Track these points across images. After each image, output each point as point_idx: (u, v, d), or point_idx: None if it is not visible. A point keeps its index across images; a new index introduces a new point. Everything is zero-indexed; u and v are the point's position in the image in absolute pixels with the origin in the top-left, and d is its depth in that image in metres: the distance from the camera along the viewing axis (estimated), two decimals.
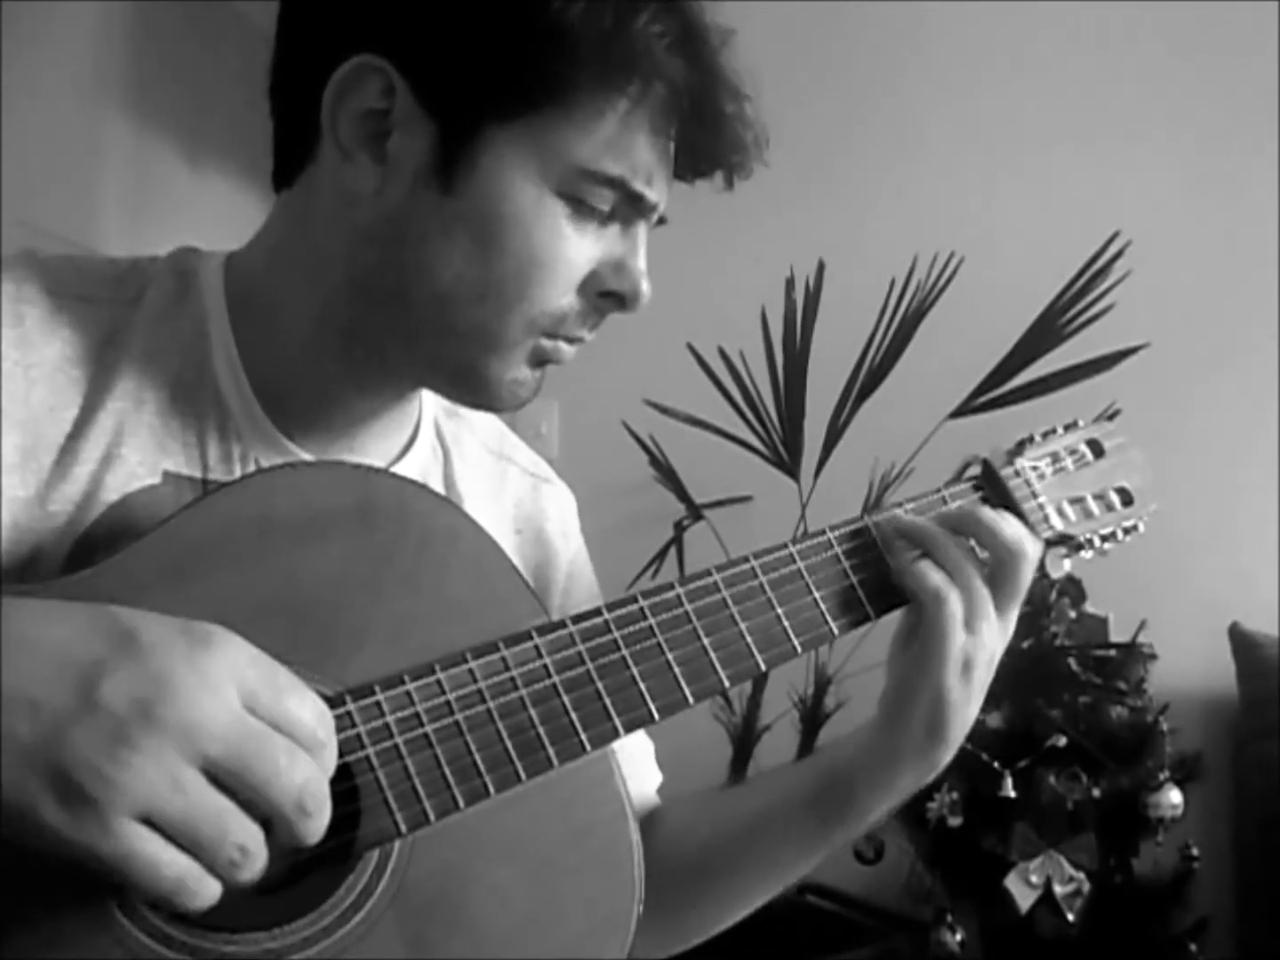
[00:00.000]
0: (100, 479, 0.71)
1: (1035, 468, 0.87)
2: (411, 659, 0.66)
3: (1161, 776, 1.89)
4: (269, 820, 0.56)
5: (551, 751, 0.67)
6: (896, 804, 0.83)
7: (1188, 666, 2.18)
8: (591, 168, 0.72)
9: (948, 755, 0.80)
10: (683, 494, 2.27)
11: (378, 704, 0.64)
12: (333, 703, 0.62)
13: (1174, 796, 1.87)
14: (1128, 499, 0.89)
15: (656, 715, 0.70)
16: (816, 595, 0.77)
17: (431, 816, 0.63)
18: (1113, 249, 1.98)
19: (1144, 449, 0.91)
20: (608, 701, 0.69)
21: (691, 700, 0.72)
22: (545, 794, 0.68)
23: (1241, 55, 2.34)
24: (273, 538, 0.66)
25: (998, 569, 0.78)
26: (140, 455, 0.72)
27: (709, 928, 0.89)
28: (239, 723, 0.55)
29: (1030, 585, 0.80)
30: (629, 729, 0.70)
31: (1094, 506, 0.88)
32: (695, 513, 2.26)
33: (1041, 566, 0.85)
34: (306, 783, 0.56)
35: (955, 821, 1.91)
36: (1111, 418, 0.95)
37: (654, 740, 0.95)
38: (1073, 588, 2.01)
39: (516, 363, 0.76)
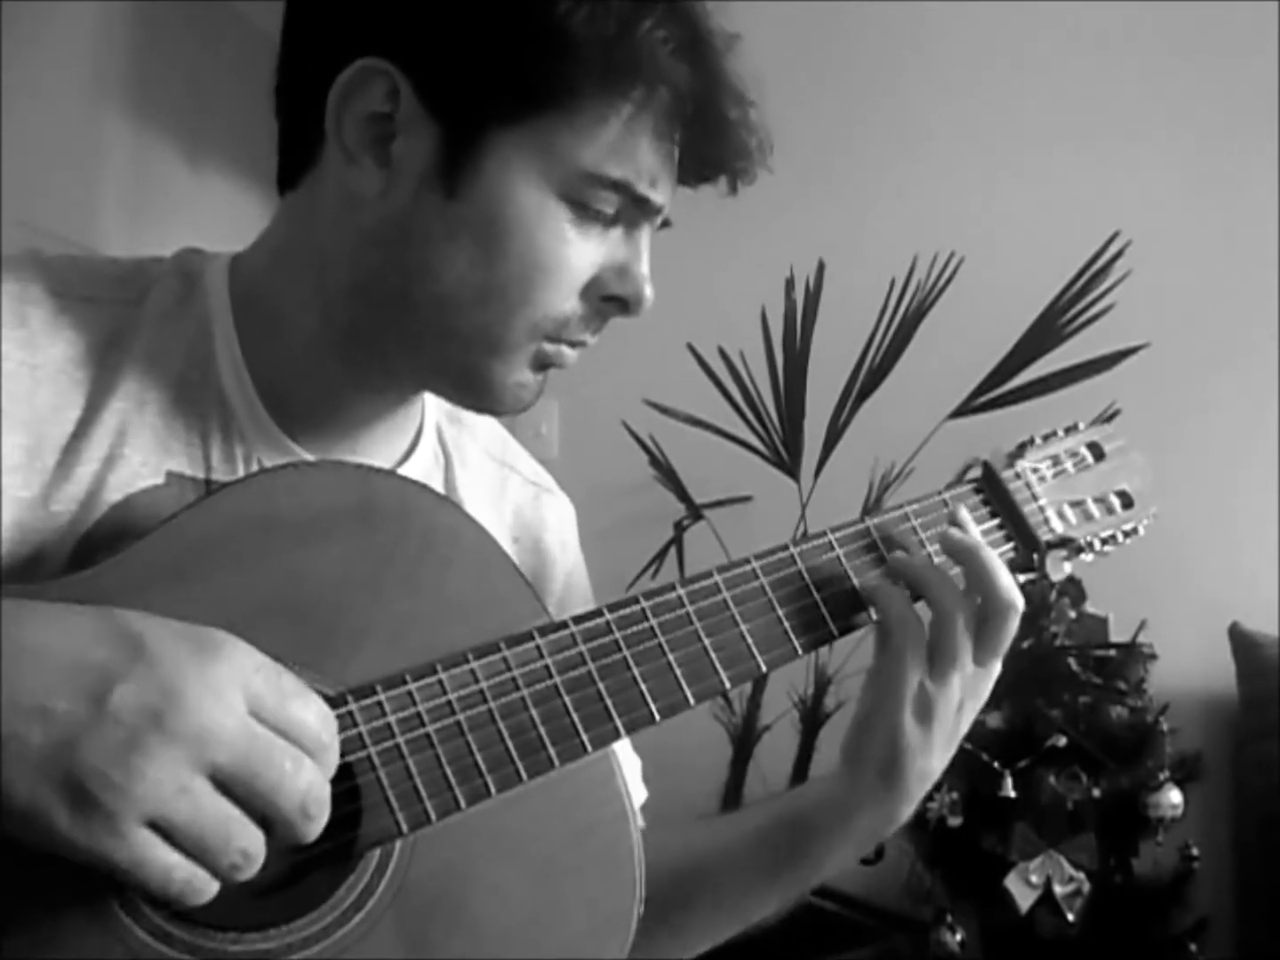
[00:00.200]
0: (103, 479, 0.71)
1: (1036, 470, 0.87)
2: (413, 659, 0.66)
3: (1161, 776, 1.89)
4: (269, 821, 0.56)
5: (553, 752, 0.67)
6: (854, 854, 0.81)
7: (1188, 666, 2.18)
8: (595, 171, 0.71)
9: (904, 808, 0.78)
10: (683, 494, 2.28)
11: (379, 704, 0.64)
12: (334, 702, 0.62)
13: (1174, 796, 1.87)
14: (1128, 502, 0.89)
15: (657, 716, 0.70)
16: (818, 596, 0.77)
17: (433, 816, 0.64)
18: (1113, 249, 1.98)
19: (1144, 449, 0.92)
20: (609, 702, 0.69)
21: (693, 701, 0.72)
22: (546, 794, 0.68)
23: (1241, 55, 2.34)
24: (274, 538, 0.66)
25: (986, 618, 0.76)
26: (143, 455, 0.72)
27: None
28: (246, 730, 0.55)
29: (1029, 586, 0.79)
30: (630, 729, 0.70)
31: (1094, 509, 0.88)
32: (695, 513, 2.27)
33: (1042, 568, 0.85)
34: (310, 787, 0.57)
35: (955, 821, 1.91)
36: (1111, 418, 0.95)
37: (654, 740, 0.95)
38: (1073, 588, 2.01)
39: (519, 366, 0.76)
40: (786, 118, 0.79)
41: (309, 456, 0.78)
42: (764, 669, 0.75)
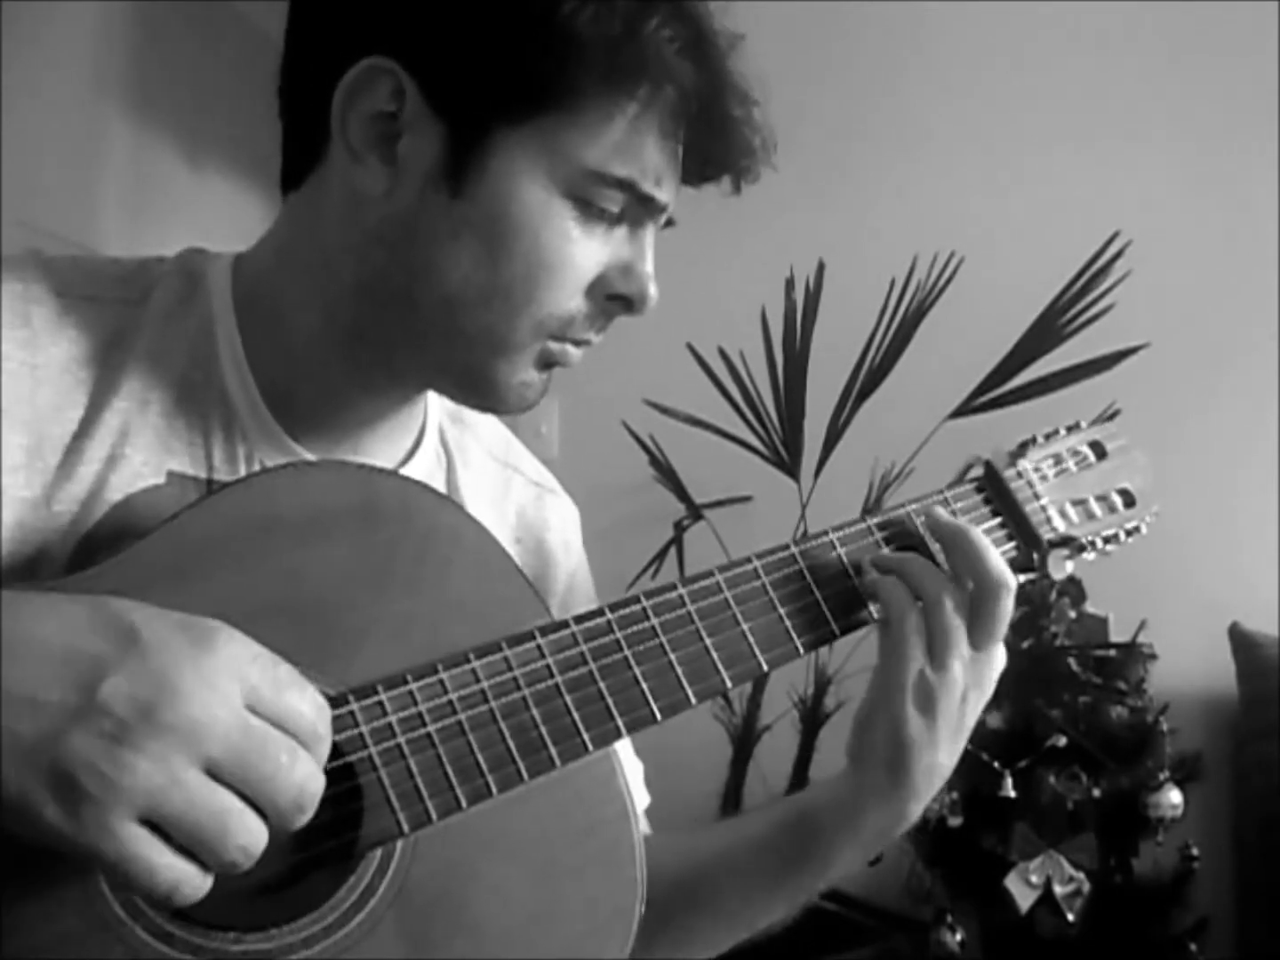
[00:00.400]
0: (105, 479, 0.71)
1: (1038, 469, 0.87)
2: (414, 658, 0.66)
3: (1161, 776, 1.89)
4: (260, 813, 0.56)
5: (554, 751, 0.67)
6: (861, 857, 0.80)
7: (1188, 666, 2.18)
8: (600, 170, 0.72)
9: (912, 805, 0.77)
10: (683, 494, 2.28)
11: (380, 703, 0.64)
12: (335, 702, 0.62)
13: (1174, 796, 1.87)
14: (1130, 500, 0.89)
15: (659, 715, 0.70)
16: (819, 595, 0.77)
17: (434, 816, 0.63)
18: (1113, 249, 1.98)
19: (1144, 449, 0.92)
20: (610, 702, 0.69)
21: (694, 700, 0.72)
22: (547, 794, 0.68)
23: (1241, 55, 2.34)
24: (276, 537, 0.66)
25: (979, 599, 0.76)
26: (145, 455, 0.72)
27: None
28: (241, 721, 0.55)
29: (1030, 585, 0.79)
30: (631, 729, 0.70)
31: (1096, 508, 0.88)
32: (695, 513, 2.27)
33: (1044, 567, 0.85)
34: (305, 781, 0.56)
35: (955, 821, 1.91)
36: (1111, 418, 0.94)
37: (654, 740, 0.95)
38: (1073, 588, 2.01)
39: (524, 365, 0.76)
40: (786, 118, 0.79)
41: (311, 456, 0.78)
42: (765, 668, 0.75)
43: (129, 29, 2.35)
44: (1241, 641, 2.18)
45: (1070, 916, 1.86)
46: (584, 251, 0.74)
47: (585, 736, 0.68)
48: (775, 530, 1.04)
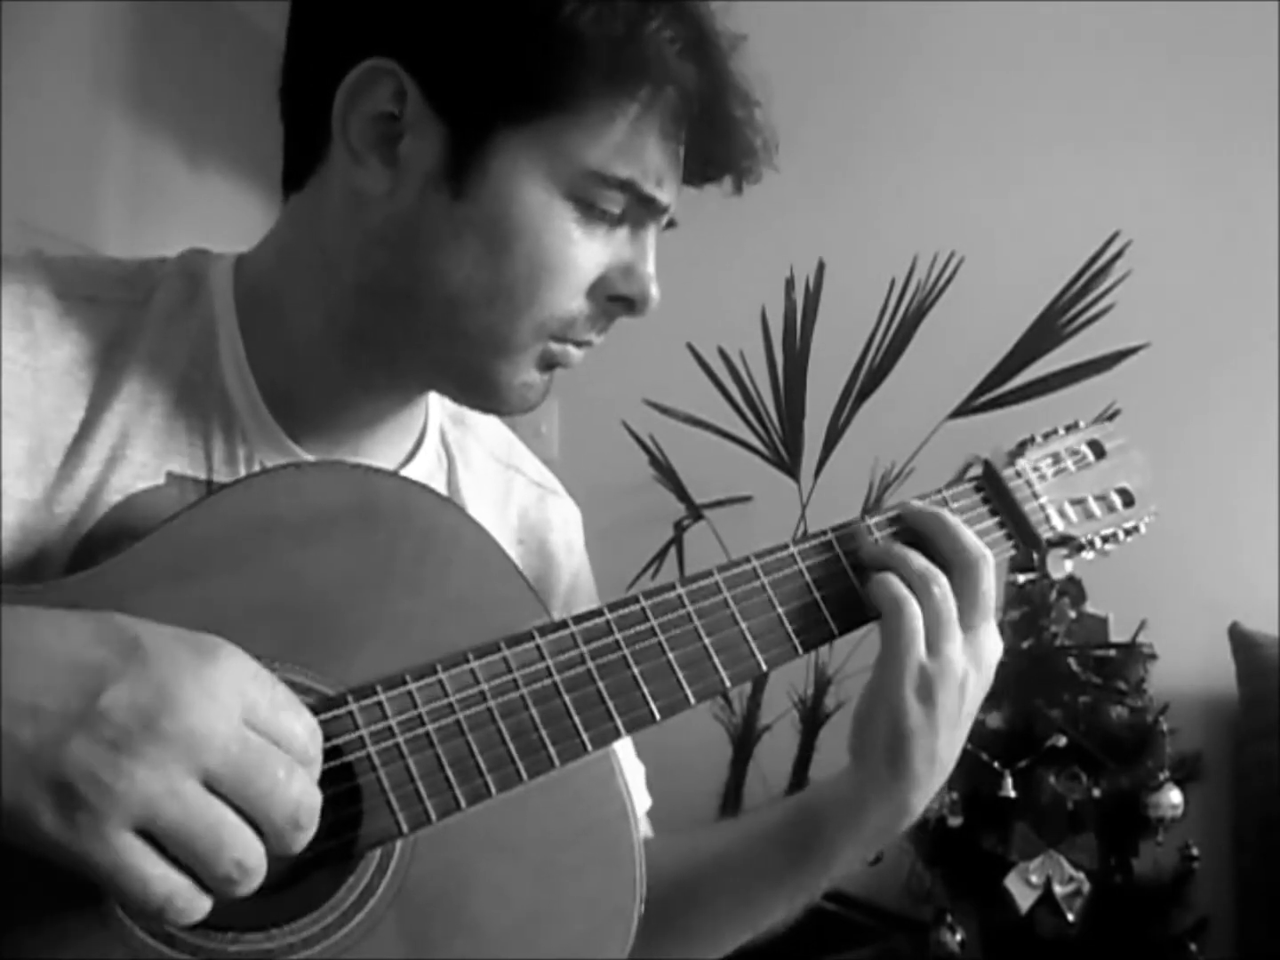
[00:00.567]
0: (105, 480, 0.71)
1: (1036, 469, 0.87)
2: (413, 659, 0.66)
3: (1161, 776, 1.89)
4: (258, 831, 0.55)
5: (553, 751, 0.67)
6: (863, 854, 0.80)
7: (1188, 666, 2.18)
8: (602, 171, 0.72)
9: (914, 796, 0.77)
10: (683, 494, 2.28)
11: (380, 704, 0.64)
12: (335, 702, 0.62)
13: (1174, 796, 1.87)
14: (1129, 500, 0.89)
15: (658, 715, 0.70)
16: (818, 595, 0.77)
17: (433, 816, 0.64)
18: (1113, 249, 1.98)
19: (1144, 449, 0.92)
20: (609, 702, 0.69)
21: (693, 700, 0.72)
22: (547, 794, 0.68)
23: (1241, 55, 2.34)
24: (275, 538, 0.66)
25: (960, 576, 0.76)
26: (145, 456, 0.72)
27: None
28: (239, 735, 0.55)
29: (1029, 585, 0.79)
30: (631, 729, 0.70)
31: (1095, 507, 0.88)
32: (695, 513, 2.26)
33: (1043, 567, 0.85)
34: (302, 796, 0.56)
35: (955, 821, 1.91)
36: (1111, 418, 0.95)
37: (654, 740, 0.95)
38: (1073, 588, 2.01)
39: (525, 366, 0.76)
40: (787, 118, 0.79)
41: (311, 457, 0.78)
42: (764, 668, 0.75)
43: (129, 29, 2.35)
44: (1241, 641, 2.18)
45: (1070, 916, 1.86)
46: (585, 252, 0.74)
47: (584, 736, 0.68)
48: (775, 530, 1.04)
